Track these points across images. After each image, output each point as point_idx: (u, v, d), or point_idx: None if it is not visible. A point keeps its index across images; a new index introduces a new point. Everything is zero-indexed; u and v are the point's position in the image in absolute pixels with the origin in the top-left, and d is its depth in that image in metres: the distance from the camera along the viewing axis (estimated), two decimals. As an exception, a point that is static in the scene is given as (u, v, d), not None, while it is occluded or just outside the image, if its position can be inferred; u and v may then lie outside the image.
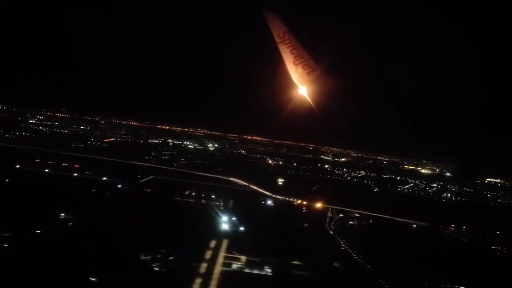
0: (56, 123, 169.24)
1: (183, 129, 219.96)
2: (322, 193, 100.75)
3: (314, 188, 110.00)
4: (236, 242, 59.02)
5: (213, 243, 56.71)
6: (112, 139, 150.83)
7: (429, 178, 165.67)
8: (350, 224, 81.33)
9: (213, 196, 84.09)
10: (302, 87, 22.26)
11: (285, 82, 22.31)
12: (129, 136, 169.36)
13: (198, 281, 44.39)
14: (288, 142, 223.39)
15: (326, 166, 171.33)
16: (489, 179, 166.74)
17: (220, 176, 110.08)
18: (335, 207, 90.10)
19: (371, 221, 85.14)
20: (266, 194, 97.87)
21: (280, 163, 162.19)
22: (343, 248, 63.28)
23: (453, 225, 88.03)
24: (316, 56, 22.12)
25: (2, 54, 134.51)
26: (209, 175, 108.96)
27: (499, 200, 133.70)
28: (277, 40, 21.71)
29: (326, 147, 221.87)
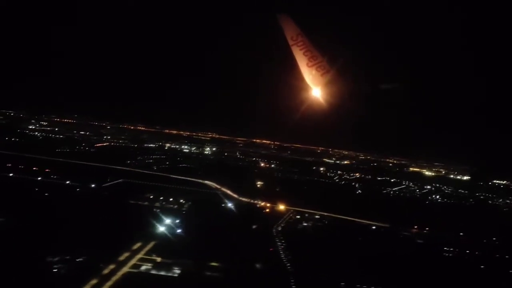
0: (56, 129, 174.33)
1: (190, 134, 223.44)
2: (294, 195, 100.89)
3: (288, 190, 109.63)
4: (164, 244, 59.91)
5: (137, 246, 57.66)
6: (104, 144, 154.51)
7: (427, 180, 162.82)
8: (303, 225, 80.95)
9: (171, 199, 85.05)
10: (316, 89, 22.63)
11: (299, 84, 22.73)
12: (126, 141, 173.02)
13: (93, 281, 45.43)
14: (297, 145, 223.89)
15: (321, 168, 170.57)
16: (496, 181, 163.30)
17: (194, 179, 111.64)
18: (296, 209, 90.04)
19: (326, 222, 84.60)
20: (232, 197, 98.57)
21: (273, 166, 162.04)
22: (271, 250, 63.04)
23: (415, 227, 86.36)
24: (329, 58, 22.50)
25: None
26: (183, 178, 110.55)
27: (490, 202, 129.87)
28: (291, 42, 22.10)
29: (336, 150, 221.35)
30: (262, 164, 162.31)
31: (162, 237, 63.57)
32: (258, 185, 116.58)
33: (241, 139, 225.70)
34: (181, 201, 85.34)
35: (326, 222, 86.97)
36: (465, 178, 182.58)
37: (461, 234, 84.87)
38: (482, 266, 68.46)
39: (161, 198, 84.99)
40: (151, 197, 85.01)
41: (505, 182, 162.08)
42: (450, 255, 73.32)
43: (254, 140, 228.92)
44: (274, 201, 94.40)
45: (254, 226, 76.41)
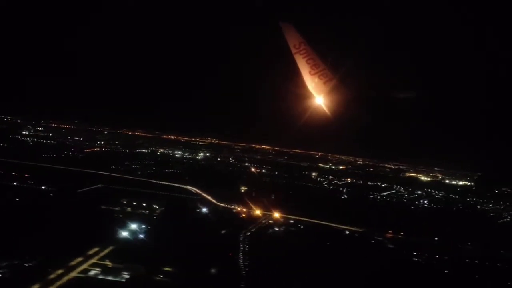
0: (50, 134, 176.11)
1: (188, 139, 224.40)
2: (276, 200, 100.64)
3: (271, 195, 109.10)
4: (122, 250, 60.07)
5: (93, 251, 57.85)
6: (94, 149, 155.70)
7: (419, 185, 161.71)
8: (275, 230, 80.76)
9: (144, 205, 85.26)
10: (319, 97, 22.76)
11: (302, 92, 22.86)
12: (118, 146, 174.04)
13: (35, 286, 45.64)
14: (296, 151, 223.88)
15: (314, 174, 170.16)
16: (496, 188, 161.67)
17: (176, 185, 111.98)
18: (272, 214, 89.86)
19: (302, 227, 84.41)
20: (211, 202, 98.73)
21: (263, 171, 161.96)
22: (230, 254, 62.92)
23: (390, 232, 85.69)
24: (332, 66, 22.67)
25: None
26: (165, 183, 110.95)
27: (478, 207, 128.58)
28: (293, 50, 22.28)
29: (335, 155, 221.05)
30: (253, 170, 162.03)
31: (123, 242, 63.66)
32: (242, 191, 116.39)
33: (240, 144, 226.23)
34: (154, 206, 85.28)
35: (302, 227, 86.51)
36: (461, 183, 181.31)
37: (435, 239, 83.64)
38: (446, 271, 67.35)
39: (134, 203, 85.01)
40: (124, 202, 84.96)
41: (504, 188, 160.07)
42: (417, 259, 72.49)
43: (254, 146, 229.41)
44: (253, 206, 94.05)
45: (223, 231, 76.11)
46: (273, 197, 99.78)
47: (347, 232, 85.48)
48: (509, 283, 66.33)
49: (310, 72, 22.22)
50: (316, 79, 22.23)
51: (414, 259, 73.68)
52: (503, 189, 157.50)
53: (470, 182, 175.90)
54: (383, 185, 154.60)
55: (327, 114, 22.64)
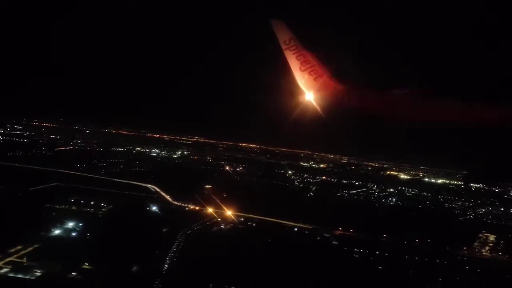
0: (26, 133, 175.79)
1: (173, 138, 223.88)
2: (237, 198, 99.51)
3: (234, 193, 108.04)
4: (47, 248, 60.18)
5: (15, 249, 57.64)
6: (66, 148, 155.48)
7: (395, 183, 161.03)
8: (220, 228, 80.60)
9: (92, 203, 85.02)
10: (309, 93, 22.17)
11: (292, 88, 22.21)
12: (94, 145, 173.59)
13: None
14: (282, 149, 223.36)
15: (290, 172, 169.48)
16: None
17: (137, 183, 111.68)
18: (224, 212, 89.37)
19: (254, 224, 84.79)
20: (165, 201, 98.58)
21: (238, 169, 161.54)
22: (157, 252, 62.63)
23: (340, 229, 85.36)
24: (323, 62, 22.01)
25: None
26: (125, 181, 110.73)
27: (446, 205, 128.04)
28: (283, 46, 21.74)
29: (322, 154, 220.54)
30: (227, 168, 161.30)
31: (51, 240, 63.39)
32: (205, 189, 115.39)
33: (226, 143, 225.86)
34: (102, 204, 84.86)
35: (254, 224, 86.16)
36: (440, 181, 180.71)
37: (384, 235, 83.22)
38: (380, 267, 67.02)
39: (82, 201, 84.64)
40: (72, 200, 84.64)
41: (481, 185, 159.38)
42: (356, 256, 72.15)
43: (240, 144, 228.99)
44: (206, 204, 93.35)
45: (164, 230, 75.62)
46: (224, 195, 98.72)
47: (296, 229, 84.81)
48: (441, 279, 65.42)
49: (300, 68, 21.72)
50: (306, 76, 21.75)
51: (354, 255, 73.21)
52: (480, 186, 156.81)
53: (451, 180, 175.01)
54: (356, 183, 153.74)
55: (318, 111, 22.03)
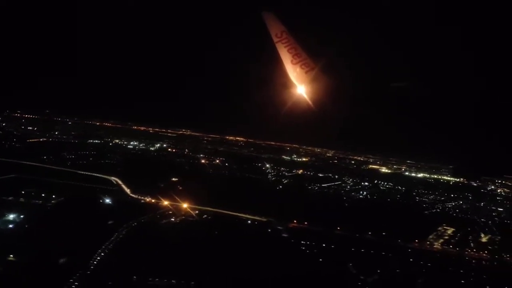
0: (4, 124, 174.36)
1: (159, 130, 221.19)
2: (201, 191, 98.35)
3: (200, 186, 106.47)
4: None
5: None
6: (39, 140, 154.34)
7: (372, 177, 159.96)
8: (168, 220, 79.95)
9: (43, 195, 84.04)
10: (300, 86, 22.35)
11: (283, 81, 22.53)
12: (70, 137, 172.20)
13: None
14: (270, 143, 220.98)
15: (268, 165, 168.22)
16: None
17: (100, 175, 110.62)
18: (180, 204, 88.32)
19: (209, 217, 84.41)
20: (124, 193, 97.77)
21: (214, 162, 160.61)
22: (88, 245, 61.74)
23: (295, 222, 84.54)
24: (314, 55, 22.23)
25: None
26: (88, 174, 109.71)
27: (417, 198, 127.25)
28: (275, 39, 21.91)
29: (309, 148, 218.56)
30: (203, 161, 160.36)
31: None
32: (170, 182, 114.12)
33: (212, 136, 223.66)
34: (53, 196, 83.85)
35: (210, 217, 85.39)
36: (420, 175, 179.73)
37: (337, 228, 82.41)
38: (320, 260, 66.37)
39: (33, 193, 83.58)
40: (23, 192, 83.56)
41: (460, 180, 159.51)
42: (303, 248, 71.39)
43: (227, 138, 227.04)
44: (168, 197, 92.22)
45: (110, 222, 74.58)
46: (180, 188, 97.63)
47: (249, 222, 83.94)
48: (380, 271, 64.57)
49: (292, 61, 21.87)
50: (298, 69, 21.88)
51: (301, 248, 72.50)
52: (459, 180, 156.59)
53: (432, 174, 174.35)
54: (332, 177, 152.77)
55: (309, 104, 22.29)
